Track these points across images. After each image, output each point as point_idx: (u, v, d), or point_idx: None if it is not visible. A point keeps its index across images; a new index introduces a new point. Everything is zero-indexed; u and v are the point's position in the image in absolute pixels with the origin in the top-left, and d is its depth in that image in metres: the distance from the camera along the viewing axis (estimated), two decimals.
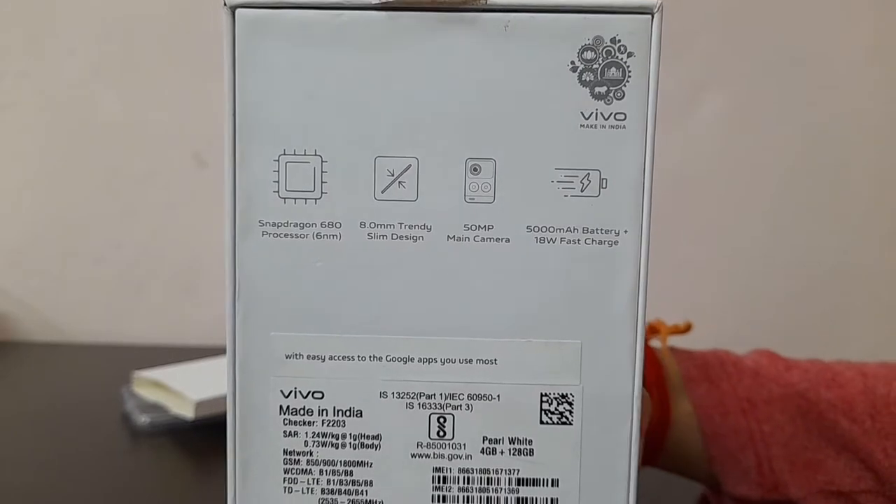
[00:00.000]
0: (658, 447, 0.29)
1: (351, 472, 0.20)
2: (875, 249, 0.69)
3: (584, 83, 0.18)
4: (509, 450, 0.19)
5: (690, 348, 0.32)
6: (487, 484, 0.19)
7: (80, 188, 0.68)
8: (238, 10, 0.18)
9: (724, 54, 0.67)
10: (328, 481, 0.20)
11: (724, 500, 0.30)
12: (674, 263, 0.66)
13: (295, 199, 0.19)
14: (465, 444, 0.19)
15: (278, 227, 0.19)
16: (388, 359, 0.19)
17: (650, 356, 0.30)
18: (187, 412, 0.47)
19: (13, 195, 0.69)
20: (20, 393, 0.56)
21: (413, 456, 0.19)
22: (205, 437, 0.47)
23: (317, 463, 0.20)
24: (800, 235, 0.69)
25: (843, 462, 0.28)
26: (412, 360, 0.19)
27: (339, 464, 0.20)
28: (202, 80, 0.66)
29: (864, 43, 0.67)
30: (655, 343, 0.32)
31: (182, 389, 0.48)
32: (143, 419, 0.48)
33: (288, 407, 0.19)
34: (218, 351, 0.57)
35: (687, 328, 0.33)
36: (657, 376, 0.29)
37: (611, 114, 0.18)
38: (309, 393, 0.19)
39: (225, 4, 0.18)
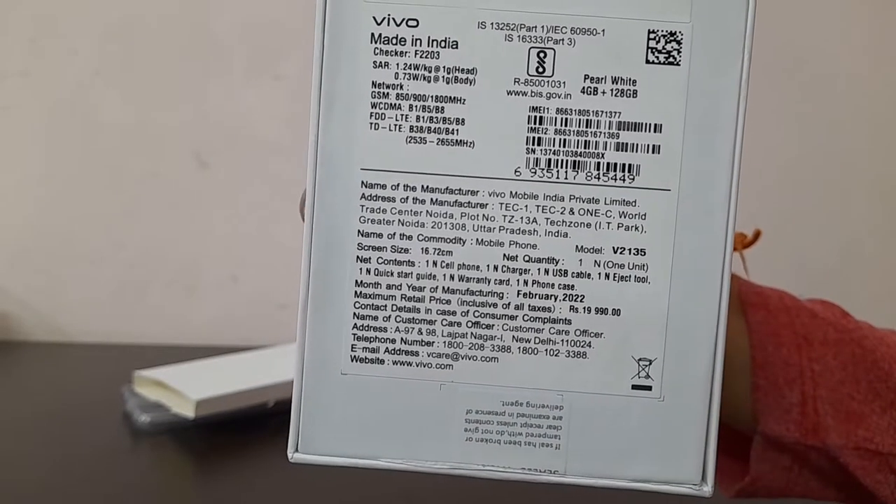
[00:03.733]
0: None
1: (442, 108, 0.18)
2: (875, 249, 0.69)
3: None
4: (611, 90, 0.18)
5: None
6: (586, 127, 0.18)
7: (81, 188, 0.68)
8: None
9: None
10: (418, 118, 0.18)
11: (747, 449, 0.28)
12: None
13: None
14: (565, 83, 0.18)
15: None
16: None
17: None
18: (188, 411, 0.48)
19: (15, 195, 0.68)
20: (21, 392, 0.56)
21: (509, 93, 0.18)
22: (205, 435, 0.47)
23: (407, 97, 0.18)
24: (799, 235, 0.69)
25: (888, 420, 0.27)
26: None
27: (430, 99, 0.18)
28: (203, 81, 0.67)
29: (863, 43, 0.67)
30: None
31: (182, 389, 0.49)
32: (143, 418, 0.48)
33: (380, 35, 0.18)
34: (219, 350, 0.59)
35: (756, 237, 0.32)
36: None
37: None
38: (403, 20, 0.18)
39: None
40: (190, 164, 0.68)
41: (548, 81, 0.18)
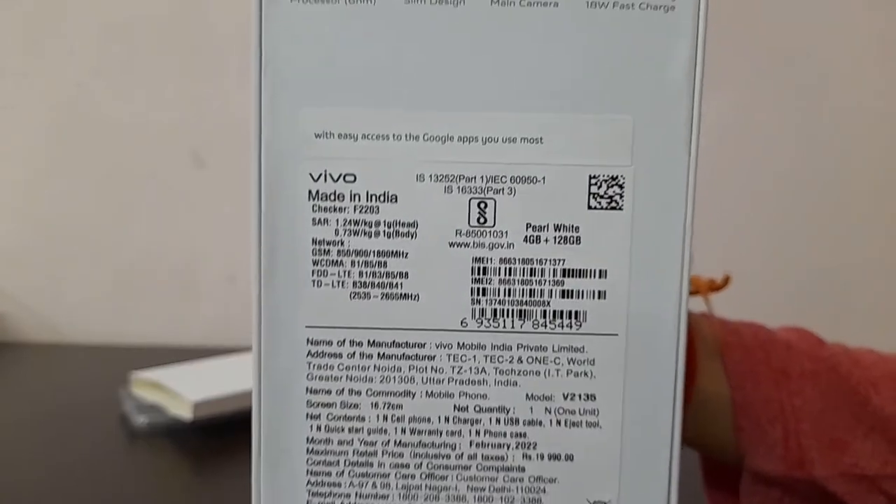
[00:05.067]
0: (691, 386, 0.27)
1: (385, 262, 0.18)
2: (875, 250, 0.69)
3: None
4: (554, 237, 0.18)
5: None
6: (531, 275, 0.18)
7: (79, 188, 0.68)
8: None
9: (724, 54, 0.65)
10: (360, 273, 0.18)
11: (737, 481, 0.29)
12: None
13: None
14: (507, 232, 0.18)
15: None
16: (426, 137, 0.18)
17: None
18: (185, 413, 0.47)
19: (12, 195, 0.68)
20: (18, 394, 0.56)
21: (451, 245, 0.18)
22: (203, 437, 0.47)
23: (348, 253, 0.18)
24: (799, 236, 0.69)
25: (871, 444, 0.27)
26: (451, 138, 0.18)
27: (372, 254, 0.18)
28: (201, 81, 0.67)
29: (864, 42, 0.67)
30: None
31: (180, 390, 0.48)
32: (141, 420, 0.48)
33: (318, 192, 0.18)
34: (216, 351, 0.59)
35: (725, 282, 0.32)
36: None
37: None
38: (340, 176, 0.18)
39: None
40: (188, 163, 0.68)
41: (490, 231, 0.18)
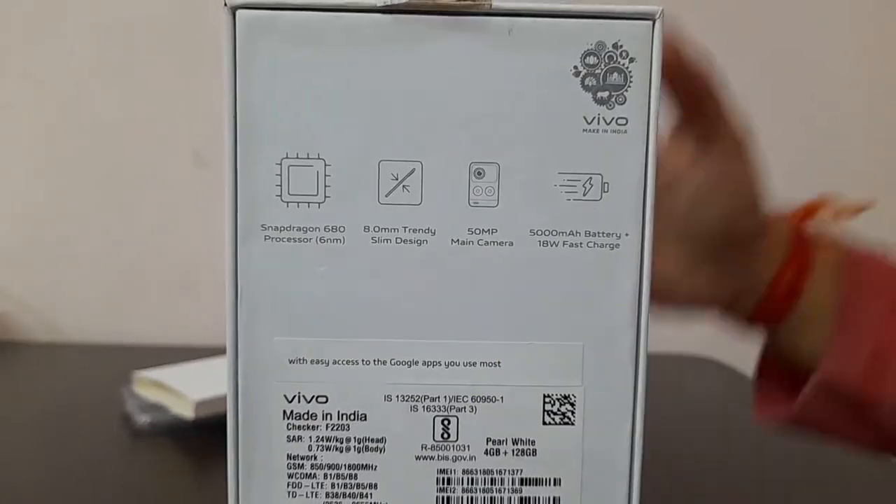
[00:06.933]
0: (795, 296, 0.30)
1: (355, 475, 0.20)
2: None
3: (586, 88, 0.18)
4: (512, 450, 0.20)
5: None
6: (491, 484, 0.20)
7: (79, 188, 0.69)
8: (239, 11, 0.18)
9: (724, 54, 0.67)
10: (332, 485, 0.20)
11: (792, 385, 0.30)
12: None
13: (298, 202, 0.19)
14: (468, 446, 0.20)
15: (281, 231, 0.19)
16: (393, 362, 0.19)
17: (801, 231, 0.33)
18: (187, 412, 0.48)
19: (13, 195, 0.69)
20: (20, 393, 0.56)
21: (418, 458, 0.20)
22: (205, 436, 0.47)
23: (321, 467, 0.20)
24: None
25: None
26: (416, 363, 0.19)
27: (343, 467, 0.20)
28: (202, 80, 0.67)
29: (864, 43, 0.68)
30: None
31: (182, 389, 0.48)
32: (143, 419, 0.48)
33: (292, 412, 0.19)
34: (218, 351, 0.59)
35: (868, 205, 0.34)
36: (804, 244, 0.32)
37: (613, 118, 0.19)
38: (313, 397, 0.19)
39: (225, 5, 0.18)
40: (189, 162, 0.68)
41: (453, 446, 0.20)
